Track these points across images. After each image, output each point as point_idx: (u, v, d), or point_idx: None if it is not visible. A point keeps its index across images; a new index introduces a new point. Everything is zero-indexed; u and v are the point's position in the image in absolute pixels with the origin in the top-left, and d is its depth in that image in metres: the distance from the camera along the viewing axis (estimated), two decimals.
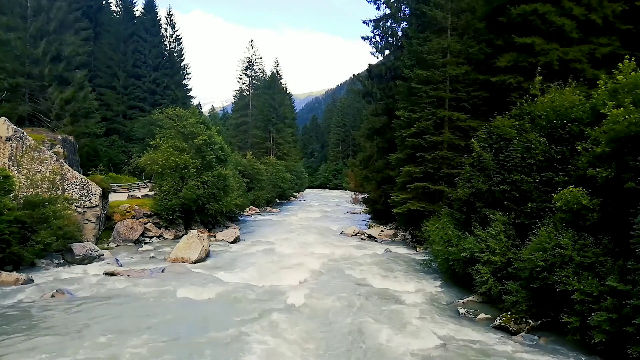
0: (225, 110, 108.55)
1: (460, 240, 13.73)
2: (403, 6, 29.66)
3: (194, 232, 19.39)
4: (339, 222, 34.83)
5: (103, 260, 17.19)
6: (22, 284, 13.20)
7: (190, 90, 54.63)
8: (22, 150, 18.54)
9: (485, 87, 19.99)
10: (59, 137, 23.26)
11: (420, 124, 21.04)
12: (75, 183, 19.67)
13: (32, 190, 17.71)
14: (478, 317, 11.48)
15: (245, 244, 23.22)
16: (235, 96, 74.05)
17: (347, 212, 43.42)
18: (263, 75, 71.64)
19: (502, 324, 10.59)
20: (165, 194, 23.62)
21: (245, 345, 9.23)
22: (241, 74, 70.65)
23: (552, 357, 9.04)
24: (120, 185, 31.84)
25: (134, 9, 50.46)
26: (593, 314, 8.61)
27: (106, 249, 19.27)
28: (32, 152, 18.74)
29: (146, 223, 23.15)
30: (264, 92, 66.78)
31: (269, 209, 45.74)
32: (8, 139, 18.34)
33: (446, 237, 14.71)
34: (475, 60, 20.44)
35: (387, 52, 31.44)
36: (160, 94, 47.14)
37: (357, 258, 19.53)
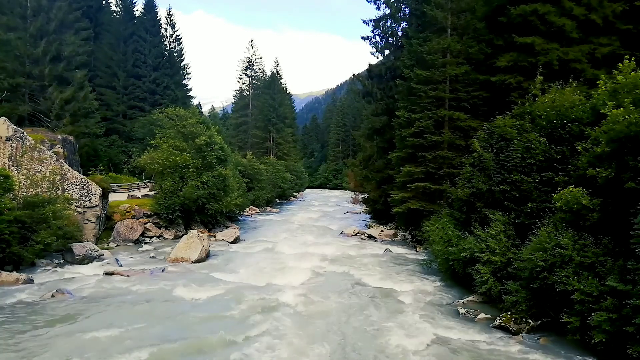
0: (225, 110, 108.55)
1: (460, 240, 13.73)
2: (403, 6, 29.67)
3: (194, 232, 19.39)
4: (339, 222, 34.83)
5: (103, 260, 17.20)
6: (22, 284, 13.21)
7: (190, 90, 54.63)
8: (22, 150, 18.54)
9: (485, 87, 19.99)
10: (59, 137, 23.23)
11: (421, 124, 21.06)
12: (75, 183, 19.68)
13: (32, 190, 17.71)
14: (478, 317, 11.48)
15: (245, 244, 23.23)
16: (235, 96, 74.00)
17: (347, 212, 43.39)
18: (263, 75, 71.63)
19: (502, 324, 10.60)
20: (165, 192, 23.64)
21: (245, 345, 9.25)
22: (241, 74, 70.64)
23: (552, 357, 9.04)
24: (120, 185, 31.83)
25: (134, 9, 50.39)
26: (593, 314, 8.60)
27: (106, 249, 19.28)
28: (32, 152, 18.74)
29: (146, 223, 23.16)
30: (264, 92, 66.79)
31: (269, 209, 45.74)
32: (8, 139, 18.34)
33: (446, 237, 14.71)
34: (475, 60, 20.45)
35: (387, 52, 31.48)
36: (160, 93, 47.10)
37: (357, 258, 19.52)
